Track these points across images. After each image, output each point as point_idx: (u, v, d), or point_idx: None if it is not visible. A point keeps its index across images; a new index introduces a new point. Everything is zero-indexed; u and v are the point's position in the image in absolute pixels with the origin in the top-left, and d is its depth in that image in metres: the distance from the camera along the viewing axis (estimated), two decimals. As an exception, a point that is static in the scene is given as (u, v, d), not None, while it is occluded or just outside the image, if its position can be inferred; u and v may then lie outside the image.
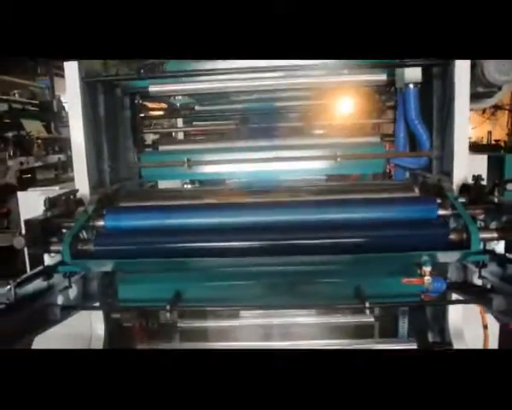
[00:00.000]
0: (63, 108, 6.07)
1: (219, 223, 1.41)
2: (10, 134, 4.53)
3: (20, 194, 1.70)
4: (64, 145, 5.82)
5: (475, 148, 8.37)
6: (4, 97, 5.15)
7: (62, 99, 6.28)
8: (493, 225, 1.32)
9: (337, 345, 1.84)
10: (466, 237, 1.26)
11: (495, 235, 1.28)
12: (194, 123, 2.99)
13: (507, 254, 1.29)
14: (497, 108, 8.42)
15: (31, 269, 1.35)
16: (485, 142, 8.62)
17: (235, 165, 1.82)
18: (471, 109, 1.72)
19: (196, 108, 2.62)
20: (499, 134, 8.63)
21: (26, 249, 1.42)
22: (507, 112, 8.38)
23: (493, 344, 1.82)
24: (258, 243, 1.33)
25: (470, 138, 9.54)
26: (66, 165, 5.50)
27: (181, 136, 3.08)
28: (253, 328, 2.07)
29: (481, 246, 1.30)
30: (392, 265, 1.49)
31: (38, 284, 1.34)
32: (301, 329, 2.03)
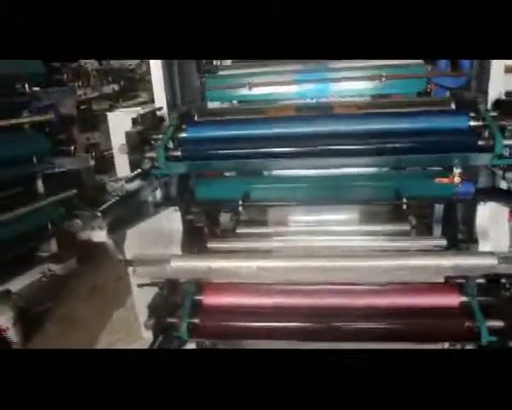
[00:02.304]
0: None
1: (279, 132, 1.70)
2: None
3: (109, 114, 2.03)
4: (115, 76, 6.11)
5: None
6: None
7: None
8: (517, 134, 1.54)
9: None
10: (492, 143, 1.49)
11: (518, 141, 1.50)
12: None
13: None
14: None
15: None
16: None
17: (289, 86, 2.07)
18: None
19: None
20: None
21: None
22: None
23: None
24: (312, 148, 1.62)
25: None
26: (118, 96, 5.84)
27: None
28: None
29: (506, 151, 1.53)
30: (428, 170, 1.75)
31: (136, 184, 1.69)
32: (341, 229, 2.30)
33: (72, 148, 3.74)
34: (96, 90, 4.85)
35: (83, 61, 5.06)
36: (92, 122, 5.26)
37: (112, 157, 5.32)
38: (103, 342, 3.07)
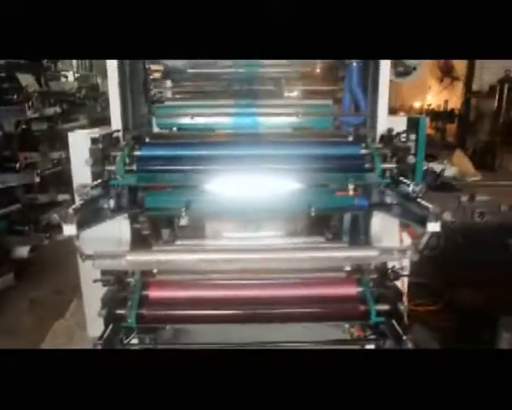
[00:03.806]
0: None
1: (216, 154, 2.13)
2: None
3: (70, 133, 2.34)
4: (56, 98, 6.27)
5: (432, 114, 9.22)
6: None
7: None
8: (393, 160, 2.08)
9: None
10: (374, 166, 2.01)
11: (393, 165, 2.04)
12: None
13: (401, 178, 2.04)
14: (454, 78, 9.27)
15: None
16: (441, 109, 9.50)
17: (225, 117, 2.52)
18: (391, 81, 2.45)
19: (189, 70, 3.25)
20: (455, 103, 9.48)
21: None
22: (462, 83, 9.19)
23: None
24: (242, 167, 2.06)
25: (430, 105, 10.39)
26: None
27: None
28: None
29: (385, 173, 2.06)
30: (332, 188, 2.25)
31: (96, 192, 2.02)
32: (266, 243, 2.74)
33: (18, 164, 3.91)
34: (39, 111, 5.00)
35: (25, 83, 5.21)
36: (31, 142, 5.38)
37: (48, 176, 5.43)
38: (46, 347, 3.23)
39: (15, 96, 4.08)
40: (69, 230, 1.68)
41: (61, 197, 5.73)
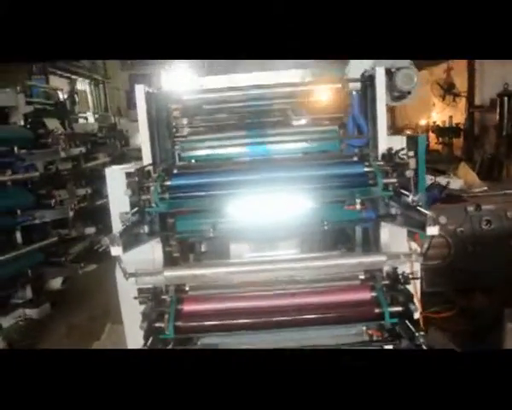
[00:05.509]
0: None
1: (237, 179, 2.41)
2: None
3: (107, 169, 2.66)
4: (80, 139, 6.71)
5: (437, 130, 9.47)
6: (29, 100, 5.94)
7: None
8: (394, 175, 2.34)
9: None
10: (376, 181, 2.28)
11: (394, 180, 2.30)
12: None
13: (402, 191, 2.29)
14: (455, 95, 9.54)
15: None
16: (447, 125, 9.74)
17: (240, 147, 2.83)
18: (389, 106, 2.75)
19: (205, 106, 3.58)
20: (459, 118, 9.73)
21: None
22: (464, 98, 9.44)
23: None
24: (259, 189, 2.33)
25: (435, 122, 10.64)
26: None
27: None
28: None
29: (389, 187, 2.32)
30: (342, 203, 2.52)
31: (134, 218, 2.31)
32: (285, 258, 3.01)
33: (53, 201, 4.28)
34: (67, 152, 5.39)
35: (52, 127, 5.65)
36: (59, 181, 5.79)
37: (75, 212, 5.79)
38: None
39: (50, 140, 4.45)
40: (116, 251, 1.96)
41: (87, 231, 6.09)
